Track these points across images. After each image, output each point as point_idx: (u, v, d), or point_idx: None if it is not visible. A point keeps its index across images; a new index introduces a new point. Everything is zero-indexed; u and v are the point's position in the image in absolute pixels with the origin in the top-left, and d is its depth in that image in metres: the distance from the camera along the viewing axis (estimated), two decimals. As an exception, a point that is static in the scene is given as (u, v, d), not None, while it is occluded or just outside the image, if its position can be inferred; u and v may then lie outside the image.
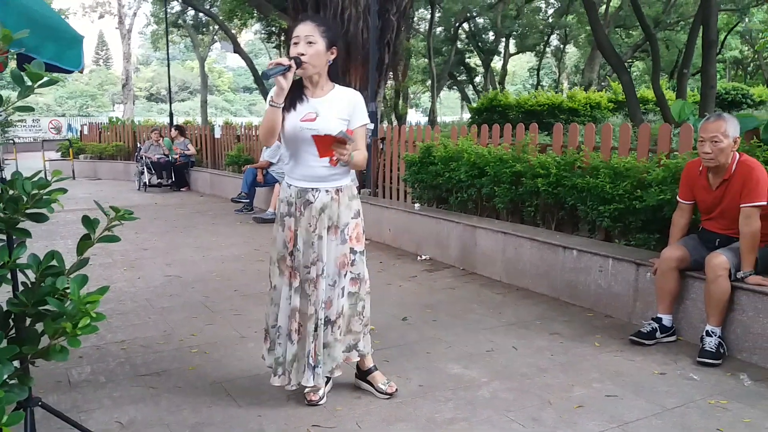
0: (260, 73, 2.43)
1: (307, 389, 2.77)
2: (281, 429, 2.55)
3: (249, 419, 2.64)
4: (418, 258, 5.71)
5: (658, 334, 3.46)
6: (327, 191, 2.64)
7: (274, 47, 22.74)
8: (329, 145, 2.46)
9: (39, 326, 1.55)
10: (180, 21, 22.71)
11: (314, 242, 2.62)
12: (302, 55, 2.50)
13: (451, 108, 57.87)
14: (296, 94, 2.58)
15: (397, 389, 2.85)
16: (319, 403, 2.74)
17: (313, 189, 2.63)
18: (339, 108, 2.65)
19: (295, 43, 2.55)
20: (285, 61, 2.44)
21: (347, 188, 2.71)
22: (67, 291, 1.47)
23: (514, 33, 27.89)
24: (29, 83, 1.39)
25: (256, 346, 3.50)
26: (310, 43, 2.53)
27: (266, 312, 2.80)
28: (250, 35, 37.81)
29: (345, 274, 2.70)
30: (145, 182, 11.62)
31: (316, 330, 2.65)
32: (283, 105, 2.50)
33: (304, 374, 2.66)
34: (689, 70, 14.72)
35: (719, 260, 3.20)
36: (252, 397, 2.85)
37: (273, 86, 2.53)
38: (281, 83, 2.43)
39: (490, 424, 2.58)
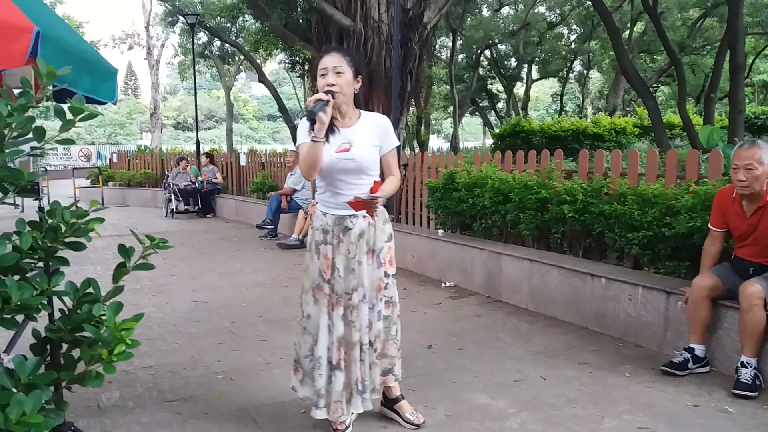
0: (306, 112, 2.46)
1: (334, 418, 2.76)
2: (308, 458, 2.53)
3: (275, 447, 2.63)
4: (442, 285, 5.68)
5: (690, 364, 3.37)
6: (364, 217, 2.67)
7: (298, 76, 23.11)
8: (362, 204, 2.54)
9: (75, 353, 1.58)
10: (206, 52, 23.24)
11: (354, 268, 2.64)
12: (332, 85, 2.53)
13: (474, 134, 57.99)
14: (328, 126, 2.58)
15: (424, 421, 2.82)
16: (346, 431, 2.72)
17: (350, 216, 2.65)
18: (370, 135, 2.68)
19: (323, 75, 2.57)
20: (323, 96, 2.47)
21: (381, 212, 2.74)
22: (103, 318, 1.50)
23: (537, 59, 27.96)
24: (70, 117, 1.44)
25: (282, 373, 3.50)
26: (339, 73, 2.56)
27: (296, 342, 2.77)
28: (274, 65, 38.49)
29: (381, 298, 2.72)
30: (173, 209, 11.81)
31: (361, 355, 2.66)
32: (324, 140, 2.52)
33: (353, 402, 2.66)
34: (716, 95, 14.58)
35: (754, 289, 3.12)
36: (277, 425, 2.84)
37: (301, 121, 2.58)
38: (322, 118, 2.46)
39: (519, 455, 2.53)
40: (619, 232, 4.32)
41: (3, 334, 3.22)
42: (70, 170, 17.76)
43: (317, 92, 2.55)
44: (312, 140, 2.50)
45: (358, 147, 2.63)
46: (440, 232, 6.17)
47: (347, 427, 2.73)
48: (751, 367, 3.12)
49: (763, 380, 3.16)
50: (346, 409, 2.66)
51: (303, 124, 2.63)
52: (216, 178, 12.19)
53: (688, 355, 3.39)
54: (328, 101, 2.46)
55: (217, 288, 5.72)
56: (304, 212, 8.20)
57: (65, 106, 1.55)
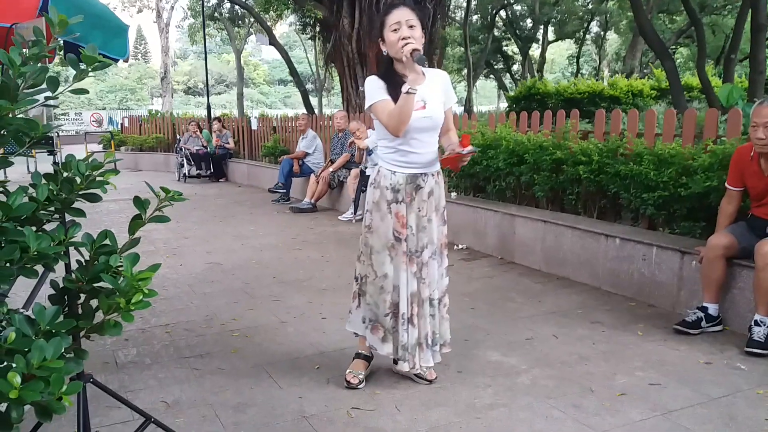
0: (417, 59, 2.40)
1: (348, 371, 2.81)
2: (321, 411, 2.58)
3: (290, 401, 2.68)
4: (455, 247, 5.69)
5: (703, 323, 3.37)
6: (432, 175, 2.70)
7: (309, 38, 22.86)
8: (457, 160, 2.55)
9: (93, 303, 1.60)
10: (216, 14, 23.00)
11: (426, 226, 2.69)
12: (408, 38, 2.47)
13: (488, 97, 57.32)
14: (399, 83, 2.53)
15: (436, 377, 2.86)
16: (359, 386, 2.77)
17: (422, 174, 2.66)
18: (438, 93, 2.67)
19: (395, 29, 2.52)
20: (417, 45, 2.45)
21: (440, 172, 2.78)
22: (120, 268, 1.52)
23: (553, 20, 27.40)
24: (84, 67, 1.43)
25: (296, 331, 3.55)
26: (412, 26, 2.52)
27: (369, 302, 2.74)
28: (285, 27, 38.07)
29: (446, 254, 2.81)
30: (185, 173, 11.85)
31: (430, 310, 2.73)
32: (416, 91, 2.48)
33: (424, 355, 2.73)
34: (737, 56, 14.23)
35: (770, 248, 3.10)
36: (293, 380, 2.89)
37: (370, 79, 2.61)
38: (418, 69, 2.43)
39: (530, 410, 2.56)
40: (634, 193, 4.29)
41: (21, 293, 3.29)
42: (82, 135, 17.83)
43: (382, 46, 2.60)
44: (408, 92, 2.44)
45: (432, 104, 2.62)
46: (453, 194, 6.15)
47: (360, 382, 2.78)
48: (764, 325, 3.12)
49: (776, 339, 3.16)
50: (417, 362, 2.73)
51: (375, 82, 2.60)
52: (228, 143, 12.18)
53: (702, 314, 3.38)
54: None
55: (231, 250, 5.77)
56: (316, 176, 8.19)
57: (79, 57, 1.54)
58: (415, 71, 2.44)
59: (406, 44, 2.45)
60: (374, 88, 2.59)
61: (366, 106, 2.64)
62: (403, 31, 2.49)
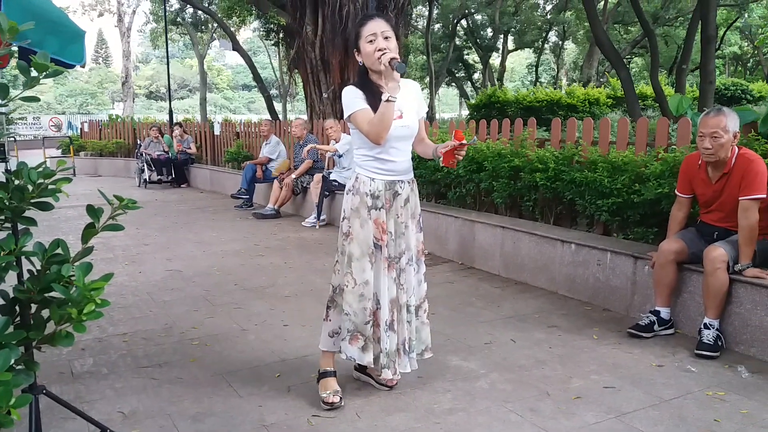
0: (396, 67, 2.41)
1: (325, 394, 2.69)
2: (282, 419, 2.57)
3: (250, 409, 2.66)
4: (418, 253, 5.73)
5: (656, 326, 3.48)
6: (408, 182, 2.73)
7: (272, 44, 22.73)
8: (452, 154, 2.56)
9: (45, 313, 1.57)
10: (179, 19, 22.70)
11: (403, 232, 2.71)
12: (384, 49, 2.50)
13: (450, 105, 57.94)
14: (376, 93, 2.57)
15: (397, 382, 2.87)
16: (342, 404, 2.67)
17: (399, 181, 2.69)
18: (412, 103, 2.71)
19: (371, 41, 2.54)
20: (396, 55, 2.47)
21: (414, 180, 2.81)
22: (72, 278, 1.49)
23: (513, 29, 27.89)
24: (35, 74, 1.41)
25: (257, 339, 3.53)
26: (387, 38, 2.54)
27: (348, 312, 2.67)
28: (248, 33, 37.83)
29: (423, 261, 2.84)
30: (146, 179, 11.64)
31: (408, 317, 2.75)
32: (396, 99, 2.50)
33: (401, 361, 2.74)
34: (688, 66, 14.74)
35: (718, 253, 3.21)
36: (253, 388, 2.87)
37: (348, 90, 2.60)
38: (397, 77, 2.46)
39: (488, 414, 2.60)
40: (589, 199, 4.40)
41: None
42: (40, 140, 17.40)
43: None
44: (389, 100, 2.46)
45: (407, 114, 2.66)
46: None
47: (341, 399, 2.68)
48: (713, 328, 3.23)
49: (724, 341, 3.28)
50: (398, 368, 2.73)
51: (353, 92, 2.60)
52: (190, 148, 12.02)
53: (654, 318, 3.49)
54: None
55: (192, 257, 5.70)
56: (279, 182, 8.16)
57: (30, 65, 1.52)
58: (394, 80, 2.46)
59: (383, 54, 2.48)
60: (353, 97, 2.61)
61: (345, 116, 2.65)
62: (379, 42, 2.52)
